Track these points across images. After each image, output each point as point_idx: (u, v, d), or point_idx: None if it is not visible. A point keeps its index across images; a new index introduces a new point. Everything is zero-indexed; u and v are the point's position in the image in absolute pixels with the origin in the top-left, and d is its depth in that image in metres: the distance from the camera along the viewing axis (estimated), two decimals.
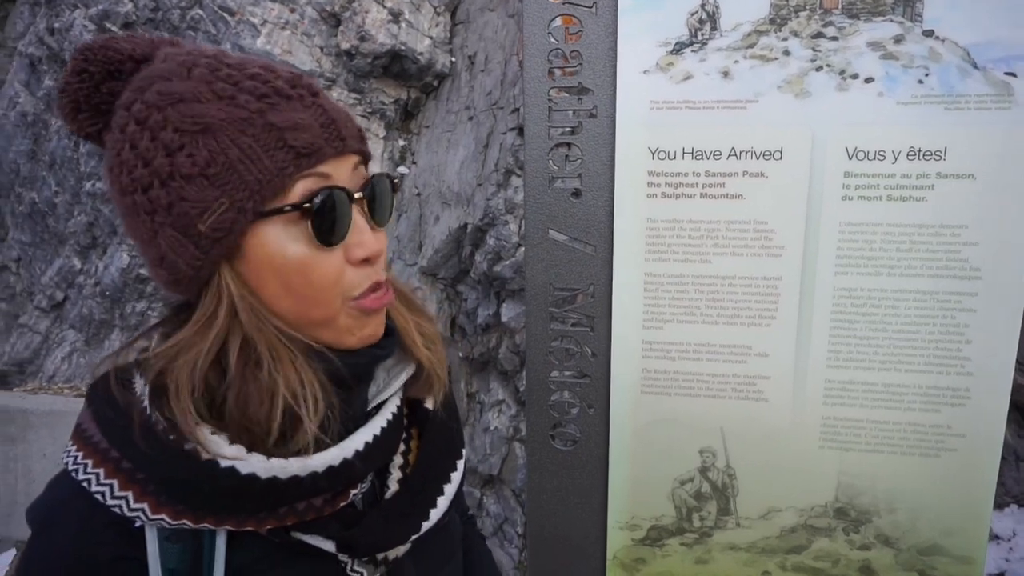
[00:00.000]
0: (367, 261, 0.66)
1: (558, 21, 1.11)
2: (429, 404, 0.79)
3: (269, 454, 0.62)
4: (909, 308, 1.09)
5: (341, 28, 3.25)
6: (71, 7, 3.42)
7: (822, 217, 1.08)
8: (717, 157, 1.09)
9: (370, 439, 0.68)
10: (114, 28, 3.34)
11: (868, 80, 1.03)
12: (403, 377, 0.73)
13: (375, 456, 0.69)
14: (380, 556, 0.70)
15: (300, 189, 0.61)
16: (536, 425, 1.28)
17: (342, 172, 0.65)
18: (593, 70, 1.11)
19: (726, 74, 1.06)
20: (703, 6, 1.04)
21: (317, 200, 0.61)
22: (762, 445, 1.18)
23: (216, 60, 0.63)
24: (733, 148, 1.08)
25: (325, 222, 0.62)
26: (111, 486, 0.60)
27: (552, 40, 1.12)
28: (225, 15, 3.15)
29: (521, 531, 1.34)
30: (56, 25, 3.69)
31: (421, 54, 3.37)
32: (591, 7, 1.09)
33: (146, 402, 0.61)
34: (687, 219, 1.12)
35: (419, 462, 0.76)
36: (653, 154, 1.11)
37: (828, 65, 1.04)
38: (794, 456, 1.18)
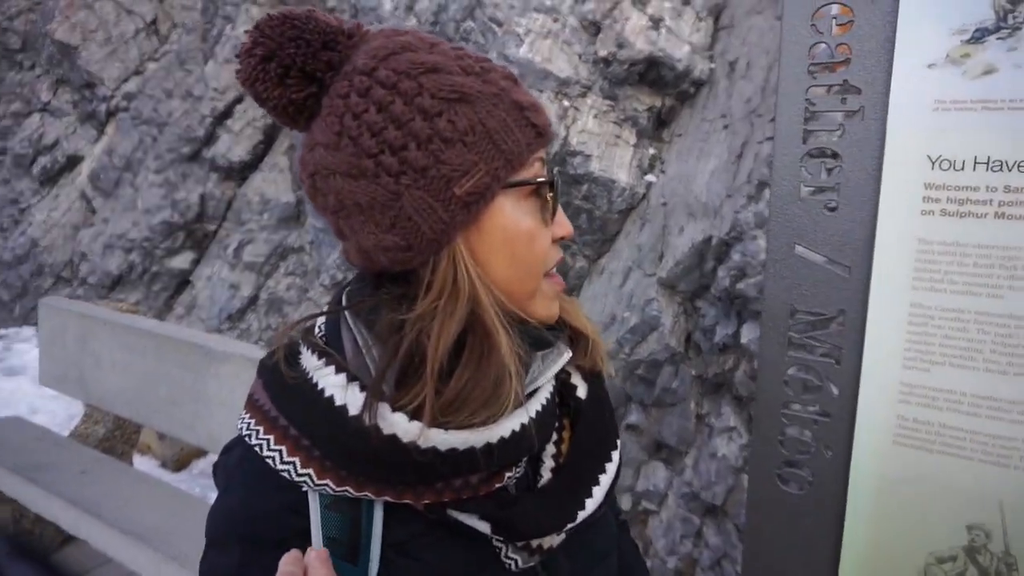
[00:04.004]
0: (562, 239, 0.70)
1: (825, 10, 0.98)
2: (581, 392, 0.77)
3: (442, 426, 0.61)
4: None
5: (600, 36, 3.29)
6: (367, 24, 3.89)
7: None
8: (1023, 169, 0.89)
9: (533, 415, 0.67)
10: None
11: None
12: (559, 363, 0.71)
13: (537, 433, 0.67)
14: (535, 544, 0.68)
15: (536, 167, 0.66)
16: (762, 459, 1.15)
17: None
18: (863, 65, 0.96)
19: None
20: None
21: (554, 179, 0.66)
22: None
23: (440, 40, 0.66)
24: None
25: (551, 201, 0.67)
26: (280, 452, 0.62)
27: (816, 32, 0.99)
28: (494, 26, 3.35)
29: (740, 570, 1.23)
30: None
31: (679, 60, 3.29)
32: None
33: (312, 374, 0.64)
34: (974, 243, 0.93)
35: (573, 450, 0.74)
36: (934, 163, 0.93)
37: None
38: None
